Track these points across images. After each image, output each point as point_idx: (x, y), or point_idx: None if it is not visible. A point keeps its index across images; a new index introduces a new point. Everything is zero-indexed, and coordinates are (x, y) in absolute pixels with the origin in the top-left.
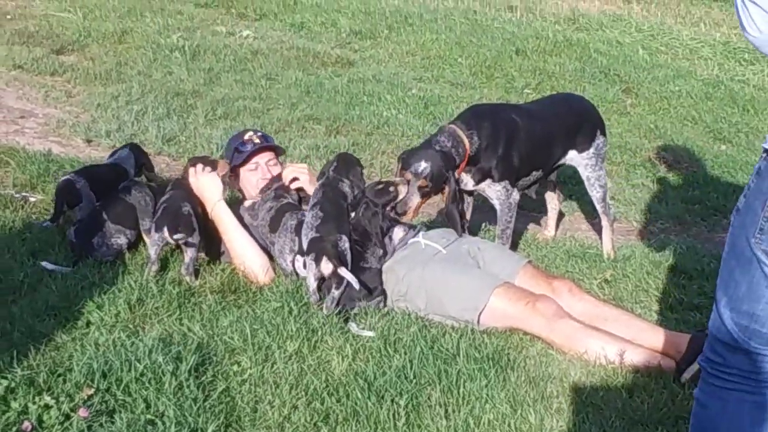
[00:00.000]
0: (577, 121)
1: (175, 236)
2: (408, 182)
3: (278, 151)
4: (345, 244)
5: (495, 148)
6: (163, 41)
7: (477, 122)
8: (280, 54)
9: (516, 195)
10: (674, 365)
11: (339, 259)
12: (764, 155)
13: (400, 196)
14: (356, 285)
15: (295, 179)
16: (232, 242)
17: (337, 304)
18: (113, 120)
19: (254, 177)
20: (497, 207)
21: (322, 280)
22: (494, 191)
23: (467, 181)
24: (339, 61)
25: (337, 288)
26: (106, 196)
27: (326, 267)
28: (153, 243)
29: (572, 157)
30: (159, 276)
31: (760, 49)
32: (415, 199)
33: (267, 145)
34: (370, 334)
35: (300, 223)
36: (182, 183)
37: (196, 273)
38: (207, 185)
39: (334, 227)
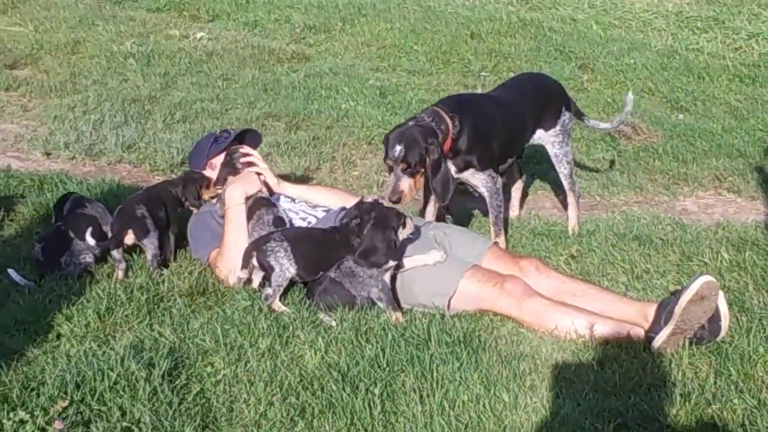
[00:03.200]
0: (541, 100)
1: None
2: (391, 169)
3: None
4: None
5: (476, 138)
6: (116, 48)
7: (459, 108)
8: (235, 53)
9: (500, 180)
10: (643, 334)
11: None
12: None
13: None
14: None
15: (251, 164)
16: (227, 236)
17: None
18: (71, 131)
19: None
20: (486, 195)
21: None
22: (480, 180)
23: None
24: (295, 56)
25: (270, 286)
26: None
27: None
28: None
29: (539, 136)
30: (126, 284)
31: None
32: (404, 183)
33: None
34: (333, 323)
35: (277, 218)
36: (149, 190)
37: (166, 265)
38: (247, 181)
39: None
